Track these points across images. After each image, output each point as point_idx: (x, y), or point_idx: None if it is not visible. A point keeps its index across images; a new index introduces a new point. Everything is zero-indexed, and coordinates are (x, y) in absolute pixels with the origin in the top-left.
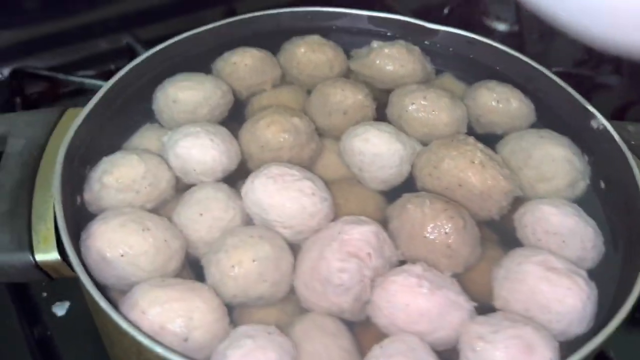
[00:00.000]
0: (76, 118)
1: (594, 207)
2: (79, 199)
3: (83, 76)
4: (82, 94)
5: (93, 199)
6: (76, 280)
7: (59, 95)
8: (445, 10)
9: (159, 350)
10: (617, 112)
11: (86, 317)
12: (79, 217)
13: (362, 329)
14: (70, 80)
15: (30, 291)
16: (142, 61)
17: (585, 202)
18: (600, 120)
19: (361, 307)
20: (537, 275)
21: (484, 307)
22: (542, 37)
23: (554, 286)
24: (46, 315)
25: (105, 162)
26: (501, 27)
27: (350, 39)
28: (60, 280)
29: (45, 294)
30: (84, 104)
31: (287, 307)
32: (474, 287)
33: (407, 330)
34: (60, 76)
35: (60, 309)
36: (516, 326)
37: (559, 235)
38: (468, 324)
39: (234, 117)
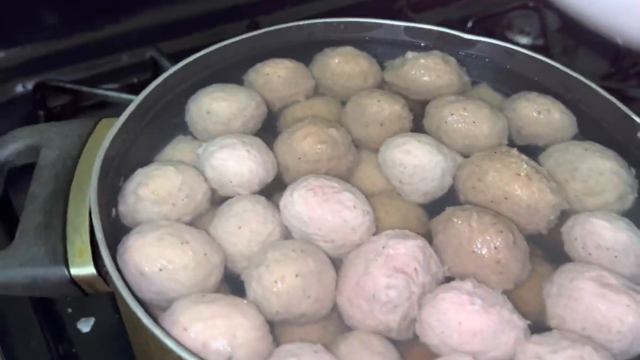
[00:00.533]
0: (112, 128)
1: None
2: (113, 212)
3: (107, 89)
4: (105, 107)
5: (128, 212)
6: (101, 296)
7: (81, 108)
8: (469, 24)
9: None
10: None
11: (111, 333)
12: (114, 230)
13: (408, 348)
14: (93, 93)
15: (56, 307)
16: (174, 72)
17: (634, 216)
18: None
19: (408, 325)
20: (593, 293)
21: (536, 326)
22: (566, 51)
23: (611, 304)
24: (71, 331)
25: (140, 174)
26: (524, 40)
27: (383, 50)
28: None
29: (70, 310)
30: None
31: (329, 326)
32: (522, 304)
33: (460, 350)
34: (84, 89)
35: (85, 325)
36: (575, 346)
37: (612, 250)
38: (524, 343)
39: (267, 129)
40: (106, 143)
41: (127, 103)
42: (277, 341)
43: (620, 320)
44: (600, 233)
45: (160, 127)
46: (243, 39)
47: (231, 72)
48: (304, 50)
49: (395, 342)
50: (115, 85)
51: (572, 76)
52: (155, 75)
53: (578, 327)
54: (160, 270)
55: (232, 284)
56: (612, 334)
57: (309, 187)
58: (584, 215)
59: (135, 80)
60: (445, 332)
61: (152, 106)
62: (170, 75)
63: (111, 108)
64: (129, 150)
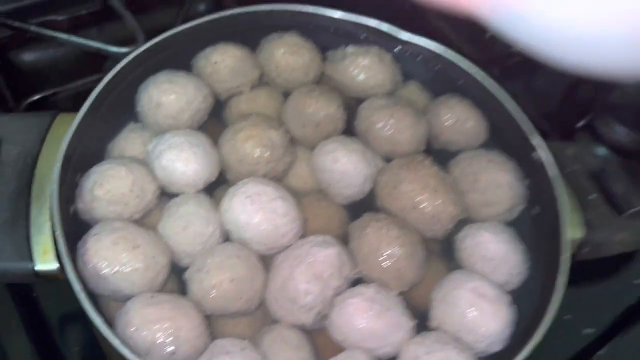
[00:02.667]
0: (70, 126)
1: (524, 230)
2: (72, 208)
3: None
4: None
5: (86, 210)
6: None
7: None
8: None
9: None
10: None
11: None
12: (75, 225)
13: (319, 333)
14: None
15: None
16: (128, 63)
17: (517, 225)
18: (543, 153)
19: (321, 320)
20: (469, 301)
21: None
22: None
23: (481, 312)
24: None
25: (96, 173)
26: None
27: (327, 37)
28: None
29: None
30: None
31: (257, 312)
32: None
33: (358, 346)
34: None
35: None
36: (444, 349)
37: (493, 261)
38: (407, 343)
39: (213, 114)
40: (64, 144)
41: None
42: (212, 328)
43: (485, 326)
44: (486, 245)
45: (114, 116)
46: (194, 25)
47: (184, 55)
48: (252, 33)
49: (309, 331)
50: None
51: (487, 86)
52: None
53: (453, 329)
54: (115, 272)
55: (177, 273)
56: (477, 336)
57: (247, 193)
58: (475, 227)
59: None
60: (349, 332)
61: (106, 97)
62: (123, 67)
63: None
64: (84, 144)
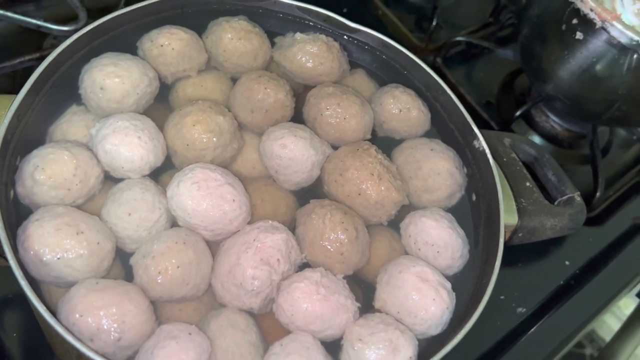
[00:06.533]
0: (9, 108)
1: (463, 216)
2: (12, 192)
3: None
4: None
5: (26, 194)
6: None
7: None
8: None
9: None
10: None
11: None
12: (15, 209)
13: (265, 316)
14: None
15: None
16: (70, 45)
17: (456, 211)
18: (481, 142)
19: (268, 304)
20: (412, 285)
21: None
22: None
23: (422, 296)
24: None
25: (37, 156)
26: None
27: (275, 23)
28: None
29: None
30: None
31: (204, 298)
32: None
33: (304, 329)
34: None
35: None
36: (388, 330)
37: (436, 246)
38: (351, 325)
39: (158, 98)
40: (3, 127)
41: None
42: (159, 313)
43: (425, 309)
44: (429, 232)
45: (55, 98)
46: (141, 7)
47: (126, 38)
48: (199, 17)
49: (255, 315)
50: None
51: (431, 76)
52: None
53: (394, 311)
54: (58, 259)
55: (121, 259)
56: (417, 319)
57: (194, 179)
58: (418, 215)
59: None
60: (294, 315)
61: (47, 79)
62: (66, 48)
63: None
64: (24, 126)
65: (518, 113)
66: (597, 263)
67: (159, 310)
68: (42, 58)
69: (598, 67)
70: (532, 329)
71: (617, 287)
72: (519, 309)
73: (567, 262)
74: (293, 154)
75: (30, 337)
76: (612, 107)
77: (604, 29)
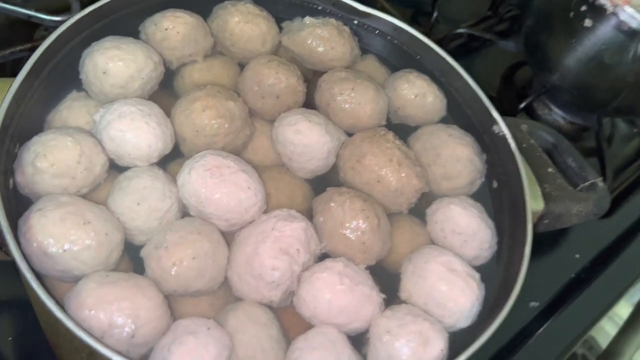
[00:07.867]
0: (7, 93)
1: (484, 204)
2: (11, 182)
3: None
4: None
5: (26, 183)
6: None
7: None
8: None
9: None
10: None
11: None
12: (15, 200)
13: (285, 310)
14: None
15: None
16: (69, 27)
17: (477, 199)
18: (501, 127)
19: (288, 297)
20: (439, 275)
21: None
22: None
23: (451, 287)
24: None
25: (37, 143)
26: None
27: (283, 8)
28: None
29: None
30: None
31: (219, 291)
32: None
33: (328, 322)
34: None
35: None
36: (417, 322)
37: (463, 235)
38: (378, 317)
39: (162, 85)
40: (2, 110)
41: None
42: (173, 308)
43: (454, 301)
44: (456, 220)
45: (54, 84)
46: None
47: (127, 22)
48: (202, 0)
49: (274, 309)
50: None
51: (446, 61)
52: None
53: (421, 302)
54: (64, 251)
55: (129, 251)
56: (446, 310)
57: (206, 166)
58: (446, 202)
59: None
60: (317, 307)
61: (46, 63)
62: (65, 31)
63: None
64: (22, 112)
65: (522, 105)
66: (607, 255)
67: (171, 305)
68: (34, 49)
69: (606, 54)
70: (547, 323)
71: (629, 279)
72: (532, 303)
73: (577, 255)
74: (308, 140)
75: (27, 341)
76: (619, 96)
77: (614, 14)
